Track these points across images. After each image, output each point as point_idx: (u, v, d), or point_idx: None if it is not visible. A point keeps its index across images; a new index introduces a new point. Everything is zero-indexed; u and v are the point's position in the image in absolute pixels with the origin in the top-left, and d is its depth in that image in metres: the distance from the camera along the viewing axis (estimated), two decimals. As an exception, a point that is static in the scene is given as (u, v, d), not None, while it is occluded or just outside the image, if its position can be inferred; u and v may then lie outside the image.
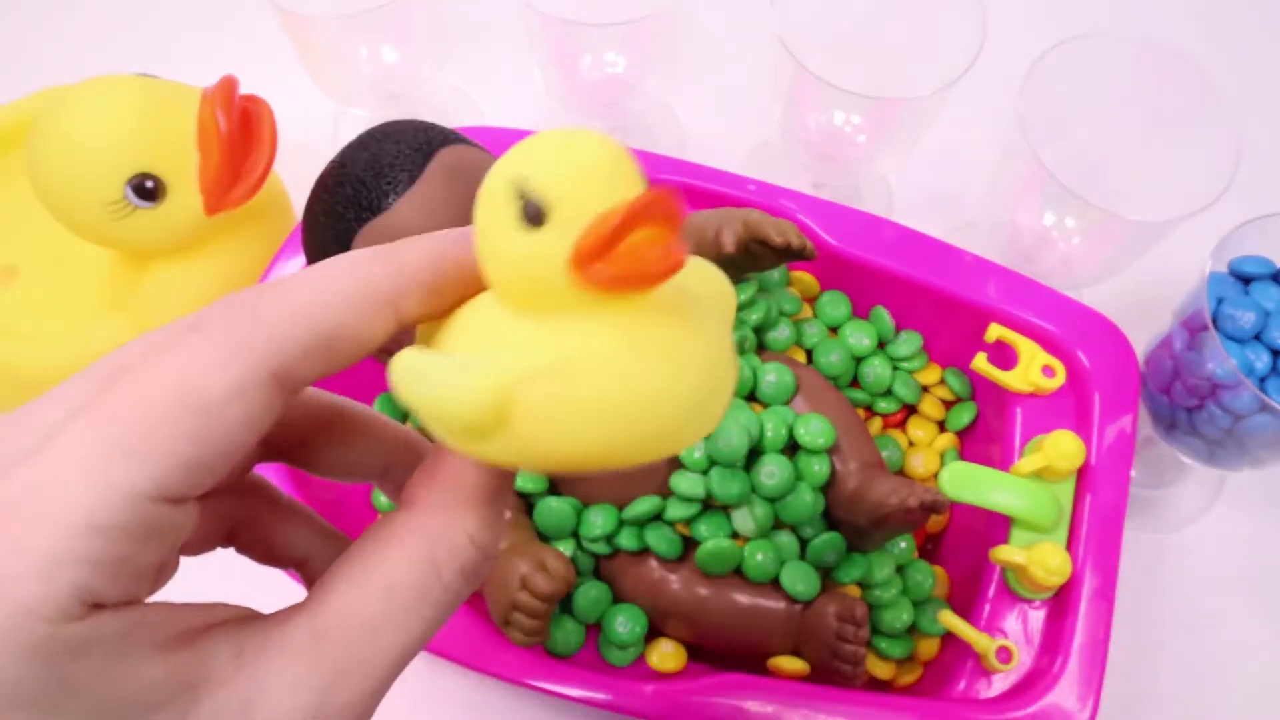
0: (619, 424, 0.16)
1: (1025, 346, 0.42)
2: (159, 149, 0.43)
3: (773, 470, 0.38)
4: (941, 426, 0.46)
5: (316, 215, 0.37)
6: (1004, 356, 0.43)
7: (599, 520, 0.38)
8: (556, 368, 0.15)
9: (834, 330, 0.46)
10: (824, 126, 0.49)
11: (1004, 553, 0.37)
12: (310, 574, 0.21)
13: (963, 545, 0.43)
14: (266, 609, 0.17)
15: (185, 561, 0.18)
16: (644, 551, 0.39)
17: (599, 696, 0.36)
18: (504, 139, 0.46)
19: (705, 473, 0.38)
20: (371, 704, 0.17)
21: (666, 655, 0.39)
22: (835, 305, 0.46)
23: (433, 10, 0.52)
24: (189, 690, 0.15)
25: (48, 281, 0.51)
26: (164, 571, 0.17)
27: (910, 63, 0.48)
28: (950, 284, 0.43)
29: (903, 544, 0.41)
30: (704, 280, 0.18)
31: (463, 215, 0.37)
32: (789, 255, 0.40)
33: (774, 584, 0.38)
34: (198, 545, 0.19)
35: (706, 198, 0.45)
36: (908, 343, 0.45)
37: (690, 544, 0.39)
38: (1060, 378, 0.41)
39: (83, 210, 0.44)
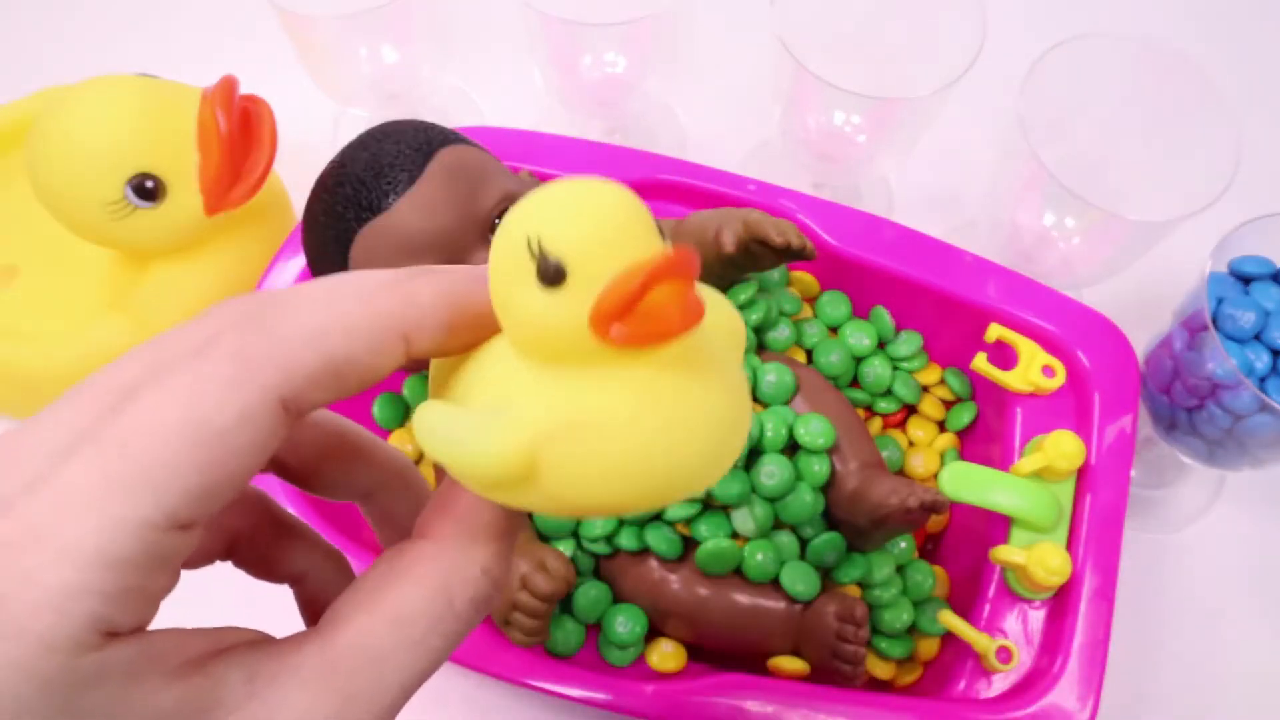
0: (643, 475, 0.16)
1: (1025, 346, 0.42)
2: (159, 149, 0.43)
3: (773, 470, 0.38)
4: (941, 426, 0.46)
5: (316, 215, 0.37)
6: (1004, 356, 0.43)
7: (599, 520, 0.38)
8: (581, 424, 0.16)
9: (834, 330, 0.46)
10: (824, 126, 0.49)
11: (1004, 553, 0.37)
12: (306, 590, 0.21)
13: (963, 545, 0.43)
14: (254, 624, 0.17)
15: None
16: (644, 551, 0.39)
17: (599, 696, 0.36)
18: (504, 139, 0.46)
19: (705, 473, 0.38)
20: None
21: (666, 655, 0.39)
22: (835, 305, 0.46)
23: (433, 10, 0.52)
24: (201, 716, 0.15)
25: (48, 281, 0.51)
26: (167, 587, 0.17)
27: (910, 63, 0.48)
28: (950, 284, 0.43)
29: (903, 544, 0.41)
30: (714, 310, 0.18)
31: (463, 215, 0.37)
32: (789, 255, 0.39)
33: (774, 584, 0.38)
34: (198, 560, 0.19)
35: (706, 198, 0.45)
36: (908, 343, 0.45)
37: (690, 544, 0.39)
38: (1060, 378, 0.41)
39: (83, 210, 0.44)
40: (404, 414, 0.45)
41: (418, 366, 0.41)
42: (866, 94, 0.42)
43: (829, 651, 0.37)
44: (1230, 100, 0.42)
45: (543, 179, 0.43)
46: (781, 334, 0.44)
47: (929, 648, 0.40)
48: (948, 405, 0.46)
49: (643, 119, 0.59)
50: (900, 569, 0.41)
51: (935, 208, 0.56)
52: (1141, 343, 0.43)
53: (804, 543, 0.39)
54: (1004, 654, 0.37)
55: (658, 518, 0.39)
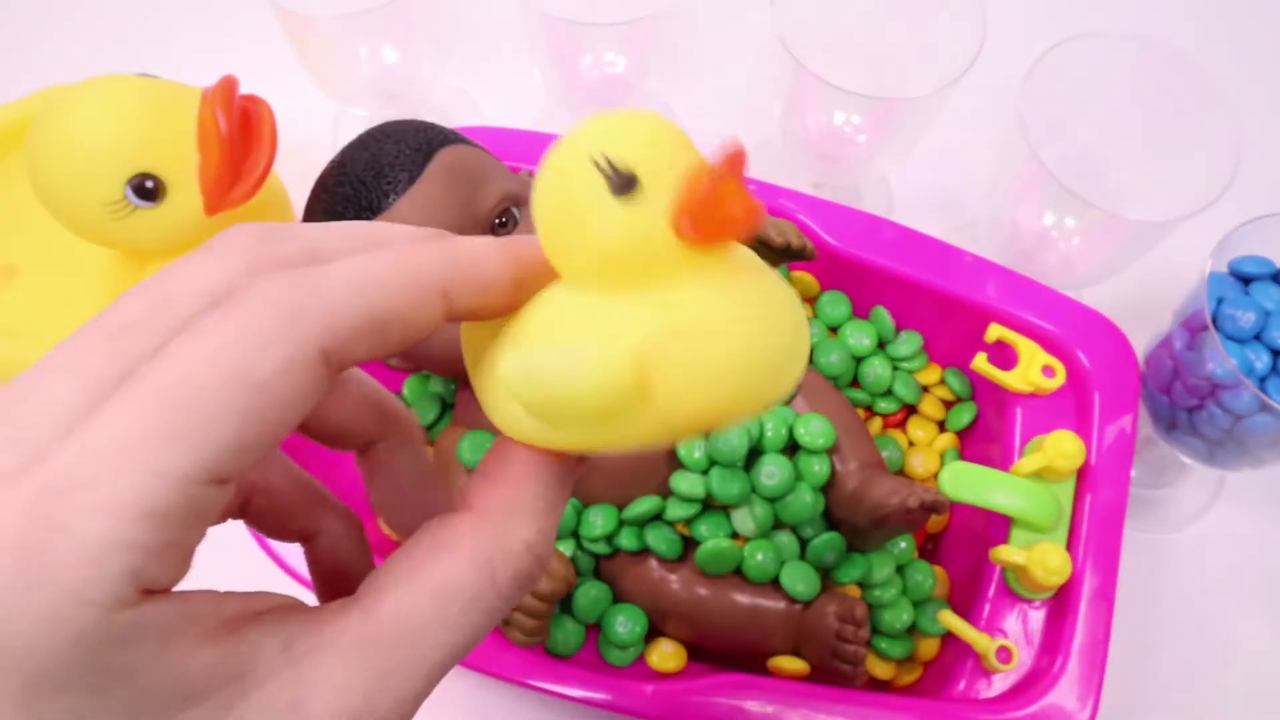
0: (750, 370, 0.16)
1: (1025, 346, 0.42)
2: (159, 149, 0.43)
3: (773, 470, 0.38)
4: (941, 426, 0.46)
5: (316, 215, 0.37)
6: (1004, 356, 0.43)
7: (599, 520, 0.38)
8: (685, 328, 0.16)
9: (834, 330, 0.46)
10: (824, 126, 0.49)
11: (1004, 553, 0.37)
12: (317, 550, 0.21)
13: (963, 545, 0.43)
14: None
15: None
16: (644, 551, 0.39)
17: (599, 696, 0.36)
18: (504, 139, 0.46)
19: (705, 473, 0.38)
20: (415, 706, 0.17)
21: (666, 655, 0.39)
22: (835, 305, 0.46)
23: (433, 10, 0.52)
24: (237, 680, 0.15)
25: (48, 281, 0.51)
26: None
27: (910, 63, 0.48)
28: (950, 284, 0.43)
29: (903, 544, 0.41)
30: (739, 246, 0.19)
31: (463, 215, 0.37)
32: (789, 255, 0.40)
33: (774, 584, 0.38)
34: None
35: (706, 198, 0.45)
36: (908, 343, 0.45)
37: (690, 544, 0.39)
38: (1060, 378, 0.41)
39: (83, 210, 0.44)
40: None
41: (418, 366, 0.41)
42: (866, 94, 0.42)
43: (829, 651, 0.37)
44: (1230, 100, 0.42)
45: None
46: (781, 334, 0.45)
47: (929, 648, 0.40)
48: (948, 405, 0.46)
49: (643, 119, 0.59)
50: (900, 569, 0.41)
51: (935, 208, 0.56)
52: (1141, 343, 0.43)
53: (804, 543, 0.39)
54: (1004, 654, 0.37)
55: (658, 517, 0.39)
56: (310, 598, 0.17)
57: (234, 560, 0.23)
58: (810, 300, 0.47)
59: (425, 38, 0.52)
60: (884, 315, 0.46)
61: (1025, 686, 0.36)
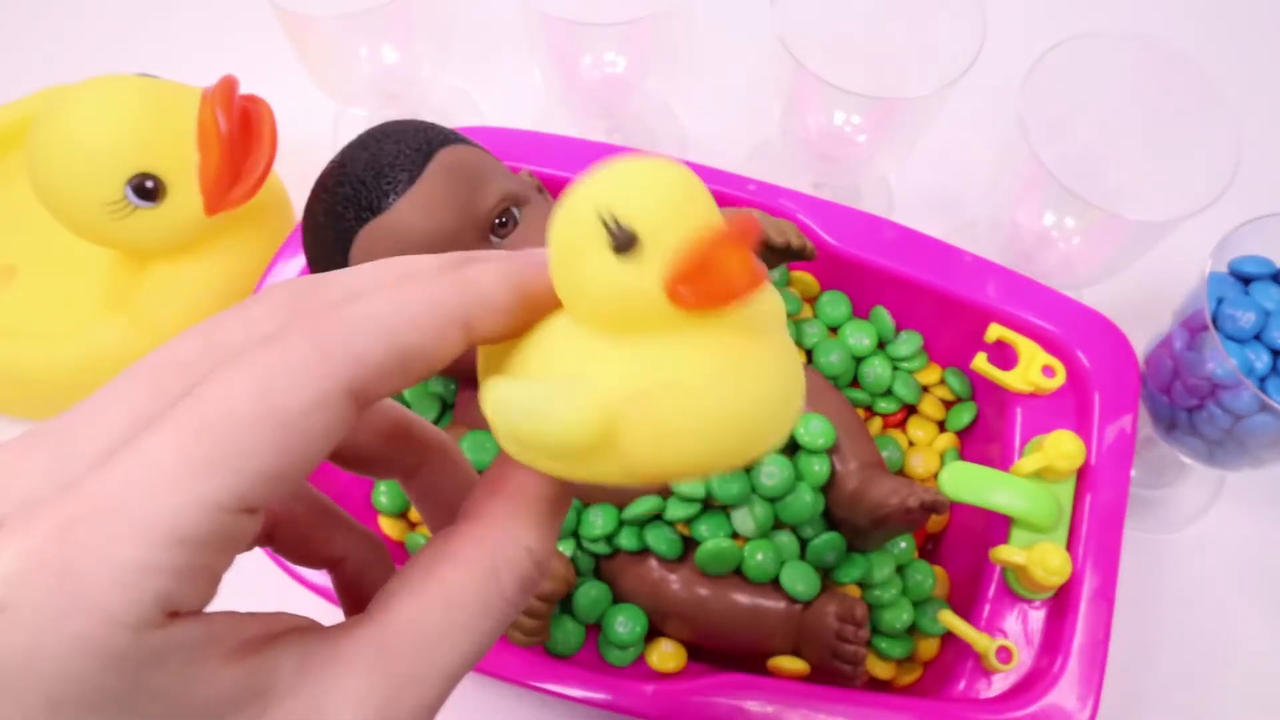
0: (720, 434, 0.16)
1: (1025, 346, 0.42)
2: (159, 149, 0.43)
3: (773, 470, 0.38)
4: (941, 426, 0.46)
5: (316, 215, 0.37)
6: (1004, 356, 0.43)
7: (599, 520, 0.38)
8: (660, 386, 0.16)
9: (834, 330, 0.46)
10: (824, 126, 0.49)
11: (1004, 553, 0.37)
12: (344, 575, 0.21)
13: (963, 545, 0.43)
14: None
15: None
16: (644, 551, 0.39)
17: (599, 696, 0.36)
18: (504, 139, 0.46)
19: (705, 473, 0.38)
20: (431, 714, 0.17)
21: (666, 655, 0.39)
22: (835, 305, 0.46)
23: (433, 10, 0.52)
24: (257, 699, 0.15)
25: (48, 281, 0.51)
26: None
27: (910, 63, 0.48)
28: (950, 284, 0.43)
29: (903, 544, 0.41)
30: (760, 295, 0.19)
31: (463, 215, 0.37)
32: (789, 255, 0.40)
33: (774, 584, 0.38)
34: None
35: (706, 198, 0.45)
36: (908, 343, 0.45)
37: (690, 544, 0.39)
38: (1060, 378, 0.41)
39: (83, 210, 0.44)
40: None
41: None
42: (866, 94, 0.42)
43: (829, 651, 0.37)
44: (1230, 100, 0.42)
45: (543, 179, 0.43)
46: (781, 334, 0.45)
47: (929, 648, 0.40)
48: (948, 405, 0.46)
49: (643, 119, 0.59)
50: (900, 569, 0.41)
51: (935, 208, 0.56)
52: (1141, 343, 0.43)
53: (804, 543, 0.39)
54: (1004, 654, 0.37)
55: (658, 517, 0.39)
56: (330, 615, 0.18)
57: (253, 576, 0.23)
58: (810, 300, 0.47)
59: (425, 38, 0.52)
60: (884, 315, 0.46)
61: (1025, 686, 0.36)
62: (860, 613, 0.36)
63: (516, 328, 0.18)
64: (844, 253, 0.44)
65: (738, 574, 0.38)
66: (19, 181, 0.52)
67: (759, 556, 0.38)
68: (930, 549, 0.44)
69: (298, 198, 0.53)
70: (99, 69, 0.45)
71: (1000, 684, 0.37)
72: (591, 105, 0.54)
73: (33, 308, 0.50)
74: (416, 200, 0.36)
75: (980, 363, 0.42)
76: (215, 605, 0.17)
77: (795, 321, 0.46)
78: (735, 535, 0.38)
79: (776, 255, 0.39)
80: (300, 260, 0.44)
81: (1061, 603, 0.37)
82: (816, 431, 0.38)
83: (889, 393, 0.45)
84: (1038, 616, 0.38)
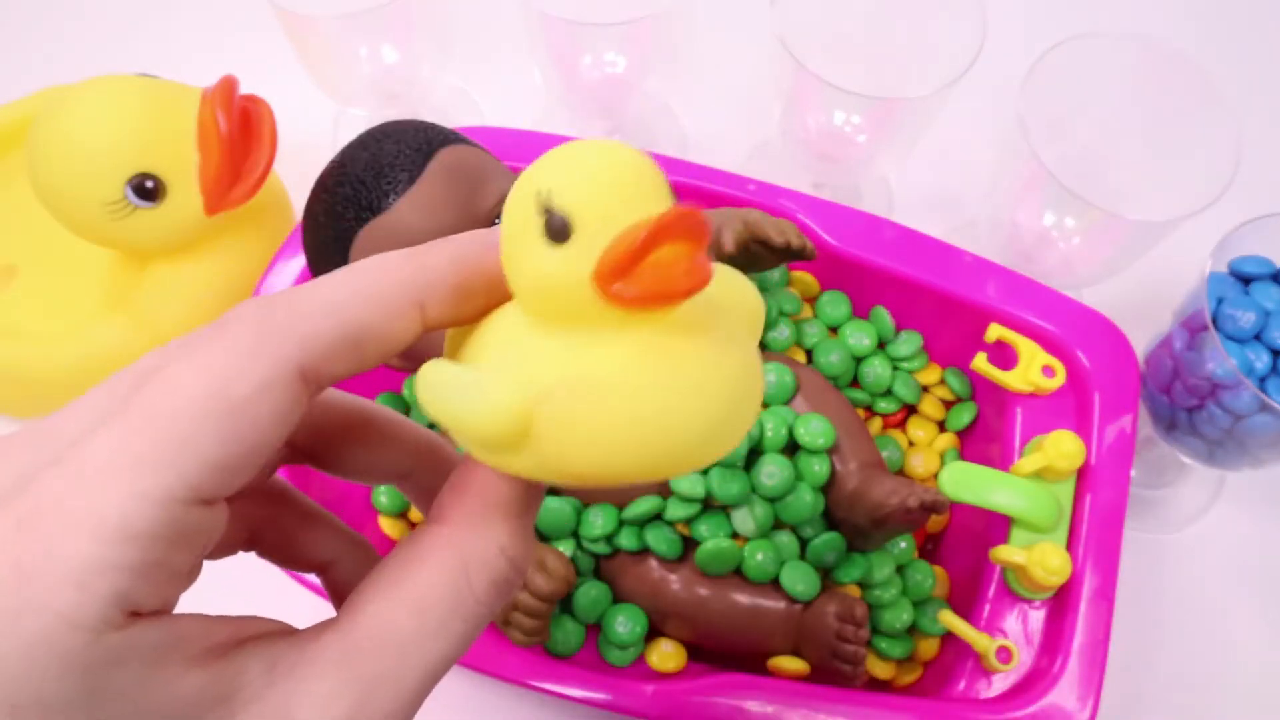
0: (641, 440, 0.15)
1: (1025, 346, 0.42)
2: (159, 149, 0.43)
3: (773, 470, 0.38)
4: (941, 426, 0.46)
5: (316, 215, 0.37)
6: (1004, 356, 0.43)
7: (599, 520, 0.38)
8: (577, 383, 0.15)
9: (834, 330, 0.46)
10: (824, 126, 0.49)
11: (1004, 553, 0.37)
12: (332, 579, 0.21)
13: (963, 545, 0.43)
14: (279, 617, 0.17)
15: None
16: (644, 551, 0.39)
17: (599, 696, 0.36)
18: (504, 139, 0.46)
19: (705, 473, 0.38)
20: (406, 718, 0.17)
21: (666, 655, 0.39)
22: (835, 305, 0.46)
23: (433, 10, 0.52)
24: (223, 703, 0.15)
25: (48, 281, 0.51)
26: (191, 574, 0.17)
27: (910, 63, 0.48)
28: (950, 284, 0.43)
29: (903, 544, 0.41)
30: (731, 290, 0.18)
31: (463, 215, 0.37)
32: (789, 255, 0.40)
33: (774, 584, 0.38)
34: (222, 549, 0.19)
35: (706, 198, 0.45)
36: (908, 343, 0.45)
37: (690, 544, 0.39)
38: (1060, 378, 0.41)
39: (83, 210, 0.44)
40: (405, 414, 0.45)
41: (417, 364, 0.41)
42: (866, 94, 0.42)
43: (829, 651, 0.37)
44: (1230, 100, 0.42)
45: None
46: (781, 334, 0.45)
47: (929, 648, 0.40)
48: (948, 405, 0.46)
49: (643, 119, 0.59)
50: (900, 569, 0.41)
51: (935, 208, 0.56)
52: (1141, 343, 0.43)
53: (804, 543, 0.39)
54: (1004, 654, 0.37)
55: (658, 517, 0.39)
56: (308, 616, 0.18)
57: (249, 571, 0.23)
58: (810, 300, 0.47)
59: (425, 38, 0.52)
60: (884, 315, 0.46)
61: (1025, 686, 0.36)
62: (860, 613, 0.36)
63: (474, 309, 0.18)
64: (844, 253, 0.44)
65: (738, 574, 0.38)
66: (19, 181, 0.52)
67: (759, 556, 0.38)
68: (930, 549, 0.44)
69: (298, 198, 0.53)
70: (99, 69, 0.45)
71: (1000, 684, 0.37)
72: (591, 105, 0.54)
73: (33, 308, 0.50)
74: (416, 200, 0.36)
75: (980, 363, 0.42)
76: (213, 604, 0.17)
77: (795, 321, 0.46)
78: (735, 535, 0.38)
79: (776, 255, 0.39)
80: (300, 260, 0.44)
81: (1061, 603, 0.37)
82: (816, 431, 0.38)
83: (889, 393, 0.45)
84: (1038, 616, 0.38)
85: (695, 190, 0.45)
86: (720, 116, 0.59)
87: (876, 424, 0.46)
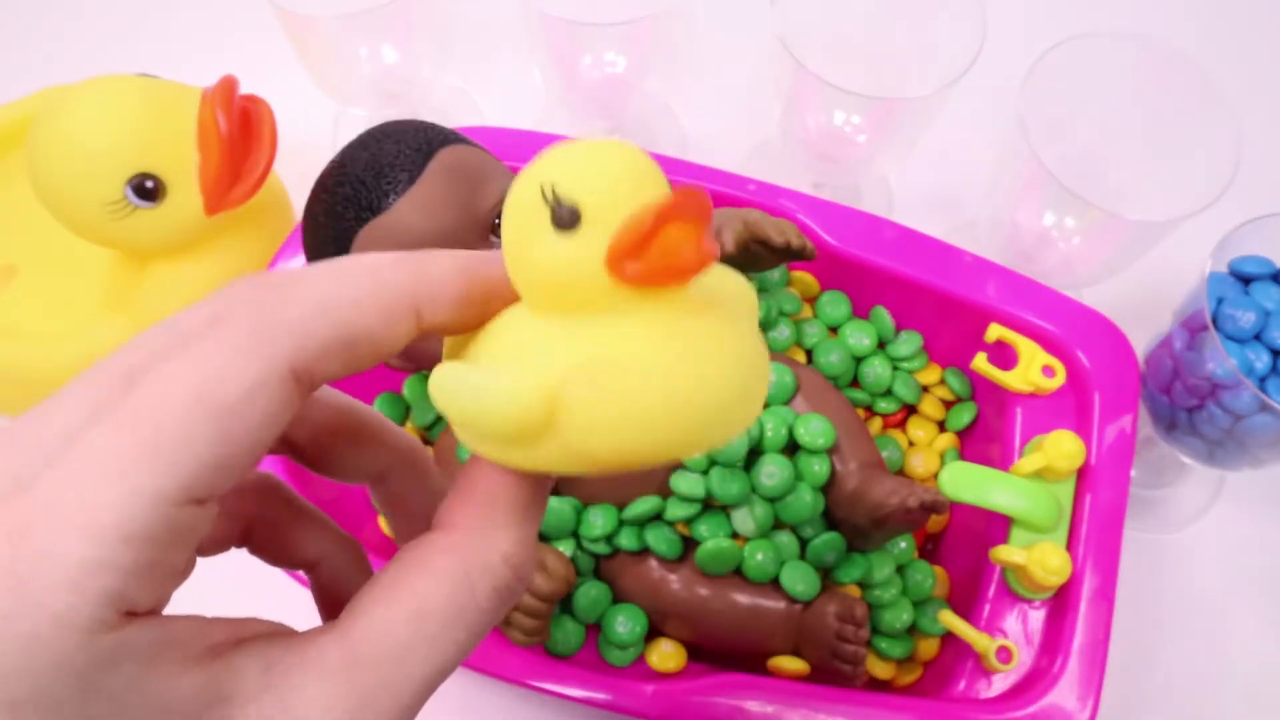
0: (663, 418, 0.16)
1: (1025, 346, 0.42)
2: (159, 149, 0.43)
3: (773, 470, 0.38)
4: (941, 426, 0.46)
5: (316, 215, 0.37)
6: (1004, 356, 0.43)
7: (599, 520, 0.38)
8: (597, 365, 0.16)
9: (834, 330, 0.46)
10: (824, 126, 0.49)
11: (1004, 553, 0.37)
12: (320, 577, 0.21)
13: (963, 545, 0.43)
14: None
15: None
16: (644, 551, 0.39)
17: (599, 696, 0.36)
18: (504, 139, 0.46)
19: (705, 473, 0.38)
20: None
21: (666, 655, 0.39)
22: (835, 305, 0.46)
23: (433, 10, 0.52)
24: (220, 704, 0.15)
25: (48, 281, 0.51)
26: (185, 571, 0.17)
27: (910, 63, 0.48)
28: (950, 284, 0.43)
29: (903, 544, 0.41)
30: (725, 282, 0.18)
31: (463, 215, 0.37)
32: (789, 255, 0.39)
33: (774, 584, 0.38)
34: (214, 546, 0.19)
35: (706, 198, 0.45)
36: (908, 343, 0.45)
37: (690, 544, 0.39)
38: (1060, 378, 0.41)
39: (83, 210, 0.44)
40: (404, 414, 0.45)
41: (418, 366, 0.41)
42: (866, 94, 0.42)
43: (829, 651, 0.37)
44: (1230, 100, 0.42)
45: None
46: (781, 334, 0.45)
47: (929, 648, 0.40)
48: (948, 405, 0.46)
49: (643, 119, 0.59)
50: (900, 569, 0.41)
51: (935, 208, 0.56)
52: (1141, 343, 0.43)
53: (804, 543, 0.39)
54: (1004, 654, 0.37)
55: (658, 517, 0.39)
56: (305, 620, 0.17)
57: (245, 568, 0.23)
58: (810, 300, 0.47)
59: (425, 38, 0.52)
60: (884, 315, 0.46)
61: (1025, 686, 0.36)
62: (860, 613, 0.36)
63: (471, 317, 0.18)
64: (844, 253, 0.44)
65: (738, 574, 0.38)
66: (19, 181, 0.52)
67: (759, 556, 0.38)
68: (930, 549, 0.44)
69: (298, 198, 0.53)
70: (99, 69, 0.45)
71: (1000, 684, 0.37)
72: (591, 105, 0.54)
73: (33, 308, 0.50)
74: (416, 200, 0.36)
75: (980, 363, 0.42)
76: (210, 605, 0.17)
77: (795, 321, 0.46)
78: (735, 535, 0.38)
79: (776, 255, 0.39)
80: (300, 260, 0.44)
81: (1061, 603, 0.37)
82: (816, 431, 0.38)
83: (889, 393, 0.45)
84: (1038, 616, 0.38)
85: (695, 190, 0.45)
86: (720, 116, 0.59)
87: (876, 424, 0.46)
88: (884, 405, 0.46)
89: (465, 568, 0.17)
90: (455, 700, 0.44)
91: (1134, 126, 0.47)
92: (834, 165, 0.51)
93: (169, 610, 0.16)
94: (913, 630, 0.40)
